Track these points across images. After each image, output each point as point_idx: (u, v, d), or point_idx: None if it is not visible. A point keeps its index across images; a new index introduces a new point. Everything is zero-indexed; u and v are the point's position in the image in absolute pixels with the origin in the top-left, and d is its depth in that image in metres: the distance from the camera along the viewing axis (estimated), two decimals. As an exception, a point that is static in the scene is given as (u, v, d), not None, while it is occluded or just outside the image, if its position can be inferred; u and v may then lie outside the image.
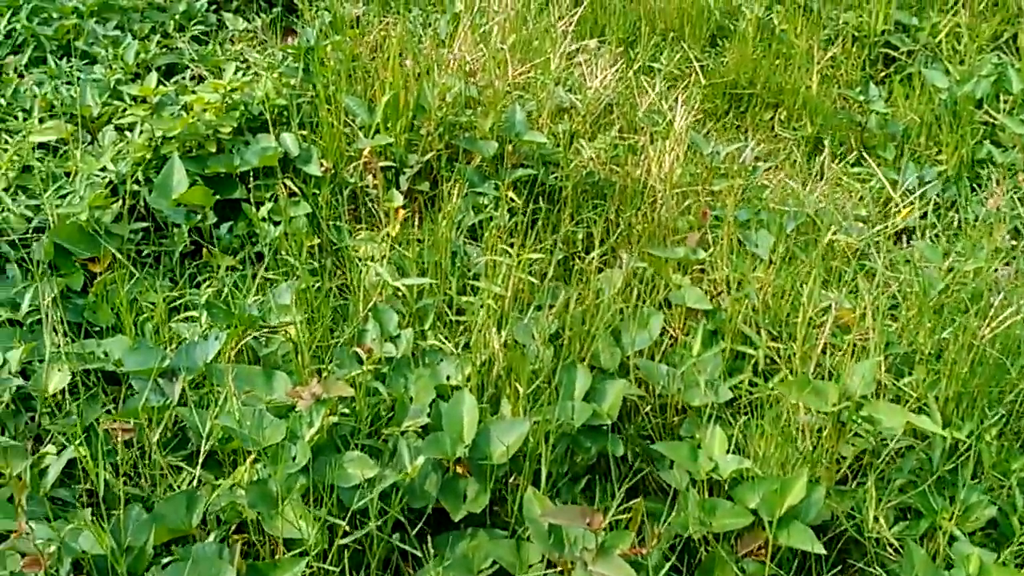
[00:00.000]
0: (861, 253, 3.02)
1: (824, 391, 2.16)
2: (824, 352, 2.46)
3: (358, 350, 2.27)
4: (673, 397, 2.32)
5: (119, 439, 2.02)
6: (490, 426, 2.06)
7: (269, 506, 1.85)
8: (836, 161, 3.80)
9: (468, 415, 2.05)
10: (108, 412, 2.17)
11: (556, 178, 3.16)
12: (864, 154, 3.89)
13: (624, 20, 4.63)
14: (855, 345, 2.44)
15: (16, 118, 3.31)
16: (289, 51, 3.68)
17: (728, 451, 2.15)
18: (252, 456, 1.94)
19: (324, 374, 2.21)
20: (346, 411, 2.15)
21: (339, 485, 1.89)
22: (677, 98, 3.56)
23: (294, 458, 1.91)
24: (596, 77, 3.63)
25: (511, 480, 2.06)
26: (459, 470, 2.05)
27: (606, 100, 3.56)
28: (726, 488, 2.10)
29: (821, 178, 3.63)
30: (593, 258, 2.70)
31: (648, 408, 2.33)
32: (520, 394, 2.15)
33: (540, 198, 3.09)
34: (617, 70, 3.68)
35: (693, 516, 2.00)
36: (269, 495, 1.86)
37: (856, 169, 3.77)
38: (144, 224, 2.79)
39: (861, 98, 4.15)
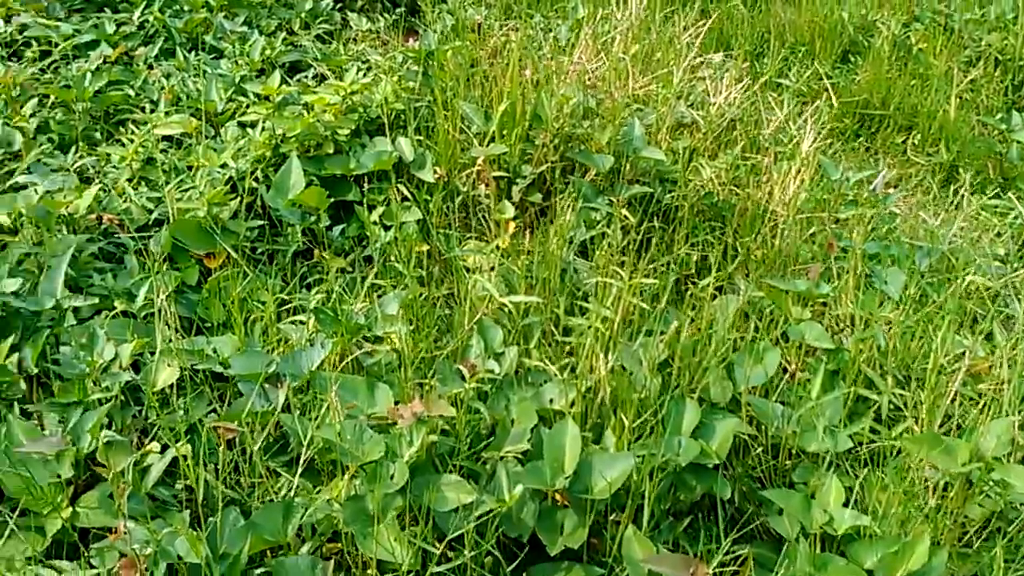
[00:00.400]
0: (998, 296, 2.82)
1: (954, 450, 2.00)
2: (953, 401, 2.30)
3: (461, 367, 2.23)
4: (787, 440, 2.19)
5: (222, 440, 2.03)
6: (592, 458, 1.98)
7: (365, 524, 1.82)
8: (973, 192, 3.57)
9: (571, 445, 1.98)
10: (213, 412, 2.18)
11: (673, 197, 3.06)
12: (1004, 186, 3.65)
13: (751, 32, 4.48)
14: (987, 397, 2.27)
15: (143, 109, 3.40)
16: (410, 54, 3.67)
17: (844, 504, 2.02)
18: (351, 471, 1.92)
19: (426, 387, 2.17)
20: (446, 428, 2.11)
21: (436, 509, 1.85)
22: (806, 118, 3.39)
23: (392, 477, 1.88)
24: (720, 92, 3.50)
25: (612, 517, 1.98)
26: (558, 498, 1.99)
27: (729, 117, 3.43)
28: (840, 543, 1.97)
29: (956, 209, 3.41)
30: (708, 284, 2.59)
31: (760, 449, 2.21)
32: (625, 426, 2.06)
33: (655, 217, 3.00)
34: (744, 87, 3.54)
35: (803, 570, 1.88)
36: (365, 513, 1.83)
37: (995, 202, 3.53)
38: (260, 222, 2.82)
39: (1002, 126, 3.90)
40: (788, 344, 2.48)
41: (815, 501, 2.01)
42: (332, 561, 1.79)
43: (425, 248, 2.80)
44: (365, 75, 3.50)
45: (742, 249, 2.87)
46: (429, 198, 2.95)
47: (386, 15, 4.35)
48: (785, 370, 2.42)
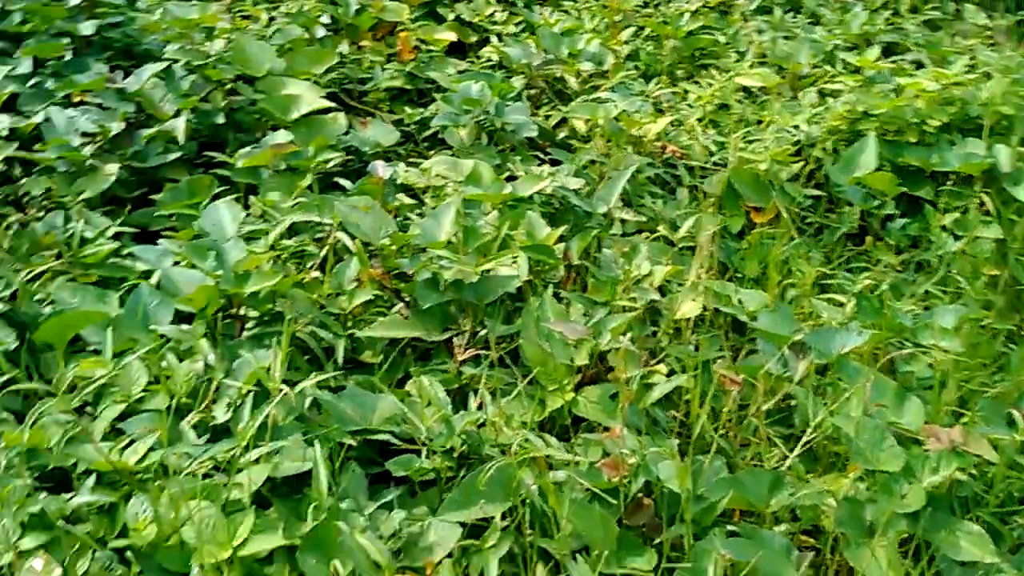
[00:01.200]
0: None
1: None
2: None
3: (1013, 411, 1.87)
4: None
5: (726, 388, 1.93)
6: None
7: (858, 533, 1.60)
8: None
9: None
10: (721, 357, 2.10)
11: None
12: None
13: None
14: None
15: (729, 57, 3.42)
16: (1032, 59, 3.20)
17: None
18: (857, 471, 1.70)
19: (965, 420, 1.86)
20: (974, 473, 1.79)
21: (945, 553, 1.56)
22: None
23: (903, 497, 1.63)
24: None
25: None
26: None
27: None
28: None
29: None
30: None
31: None
32: None
33: None
34: None
35: None
36: (861, 522, 1.61)
37: None
38: (817, 192, 2.67)
39: None
40: None
41: None
42: (810, 554, 1.61)
43: (996, 272, 2.41)
44: (971, 71, 3.12)
45: None
46: (1017, 218, 2.54)
47: (1008, 15, 3.84)
48: None
